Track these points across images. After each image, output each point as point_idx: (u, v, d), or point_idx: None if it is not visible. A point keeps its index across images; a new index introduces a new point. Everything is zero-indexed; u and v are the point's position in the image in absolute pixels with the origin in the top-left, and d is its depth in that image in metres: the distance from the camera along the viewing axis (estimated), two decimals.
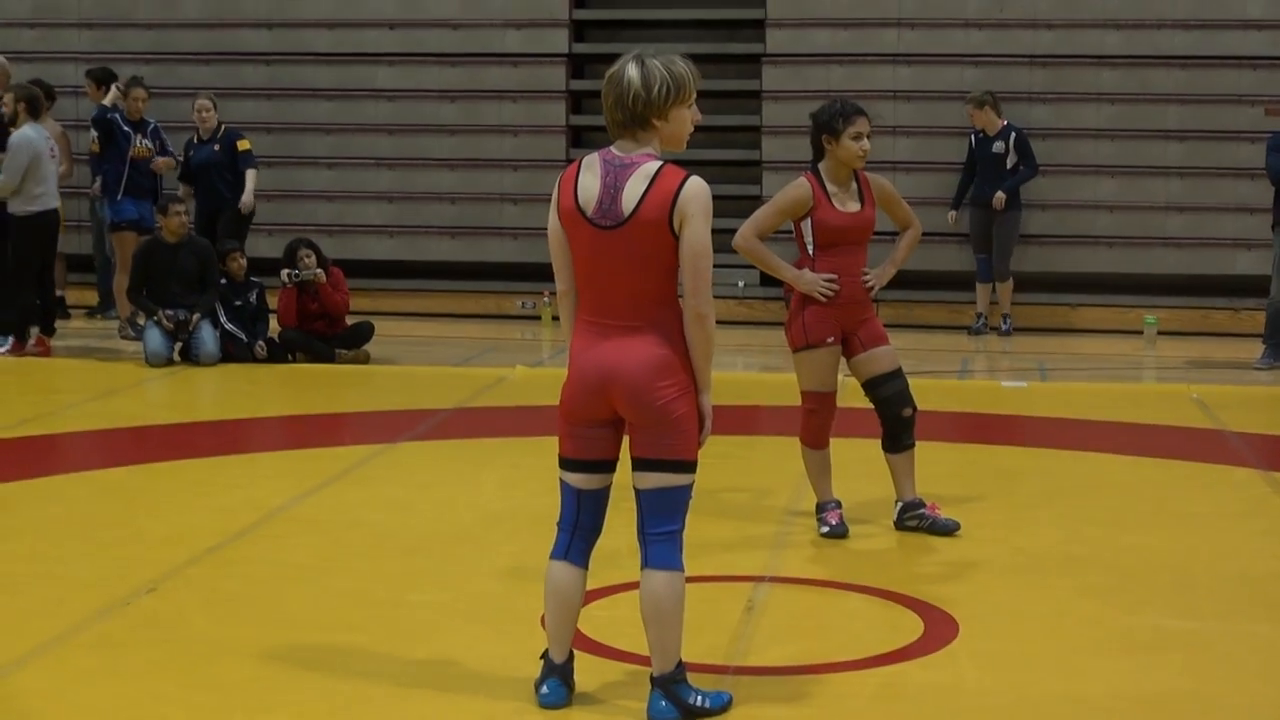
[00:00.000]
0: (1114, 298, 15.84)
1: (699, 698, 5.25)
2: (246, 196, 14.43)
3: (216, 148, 14.55)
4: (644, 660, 5.41)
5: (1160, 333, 15.01)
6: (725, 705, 5.31)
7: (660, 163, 5.13)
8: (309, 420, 10.97)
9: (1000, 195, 14.93)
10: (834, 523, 7.68)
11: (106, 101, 14.58)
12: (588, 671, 5.55)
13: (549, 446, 10.08)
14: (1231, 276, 15.74)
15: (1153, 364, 14.00)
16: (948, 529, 7.68)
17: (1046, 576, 7.06)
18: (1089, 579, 7.01)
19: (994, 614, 6.49)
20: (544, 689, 5.36)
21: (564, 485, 5.38)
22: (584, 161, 5.20)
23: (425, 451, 9.71)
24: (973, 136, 15.24)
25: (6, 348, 13.14)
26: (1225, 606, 6.63)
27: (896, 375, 7.69)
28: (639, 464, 5.21)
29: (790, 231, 7.75)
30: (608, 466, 5.34)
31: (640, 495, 5.22)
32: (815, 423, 7.74)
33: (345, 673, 5.68)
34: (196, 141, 14.71)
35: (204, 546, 7.32)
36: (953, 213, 15.34)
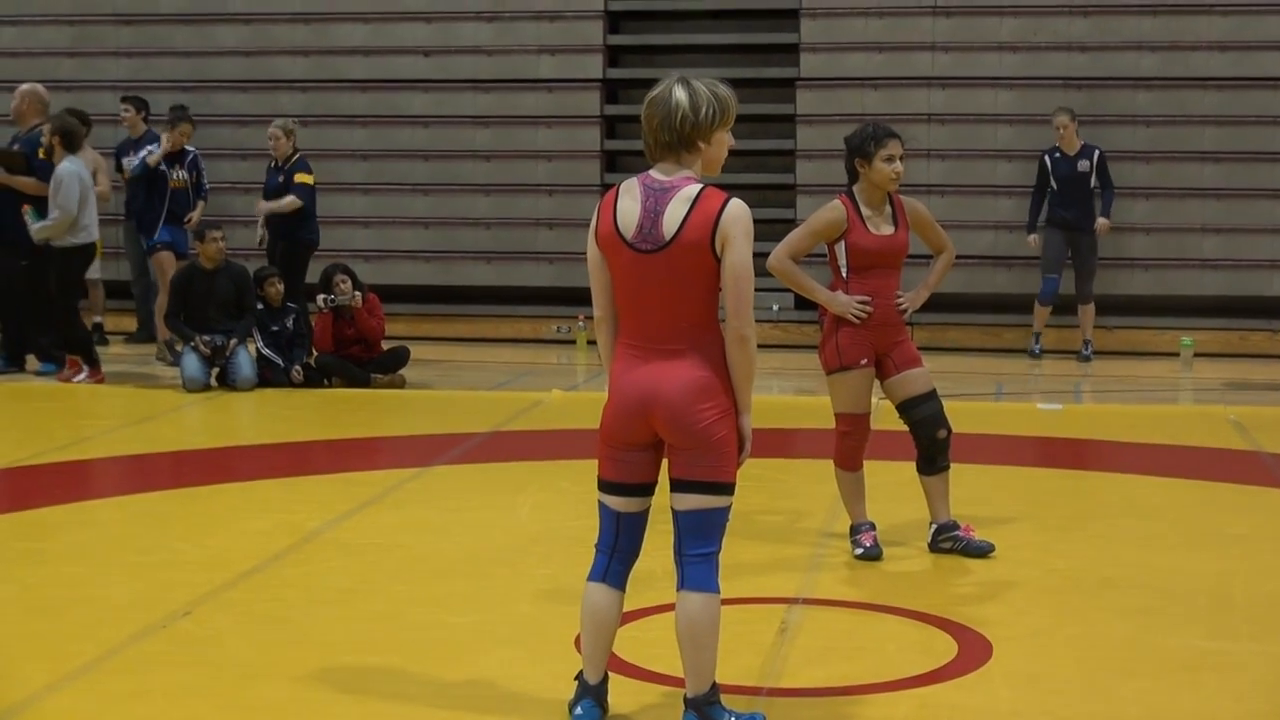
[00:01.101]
0: (1150, 320, 15.80)
1: (733, 718, 5.25)
2: (264, 204, 14.41)
3: (281, 178, 14.43)
4: (678, 682, 5.41)
5: (1197, 354, 14.97)
6: None
7: (701, 185, 5.15)
8: (344, 445, 11.01)
9: (1105, 221, 14.83)
10: (868, 544, 7.67)
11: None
12: (622, 693, 5.56)
13: (585, 470, 10.12)
14: (1269, 298, 15.70)
15: (1189, 386, 13.94)
16: (982, 551, 7.67)
17: (1081, 598, 7.04)
18: (1124, 600, 6.99)
19: (1028, 636, 6.48)
20: (578, 710, 5.37)
21: (603, 508, 5.39)
22: (622, 186, 5.22)
23: (460, 475, 9.74)
24: (1047, 157, 15.07)
25: (84, 375, 13.22)
26: (1261, 628, 6.61)
27: (931, 397, 7.69)
28: (678, 485, 5.22)
29: (824, 254, 7.76)
30: (647, 490, 5.35)
31: (678, 516, 5.23)
32: (849, 445, 7.74)
33: (380, 695, 5.70)
34: (272, 167, 14.68)
35: (240, 570, 7.35)
36: (1032, 236, 15.11)
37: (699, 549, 5.20)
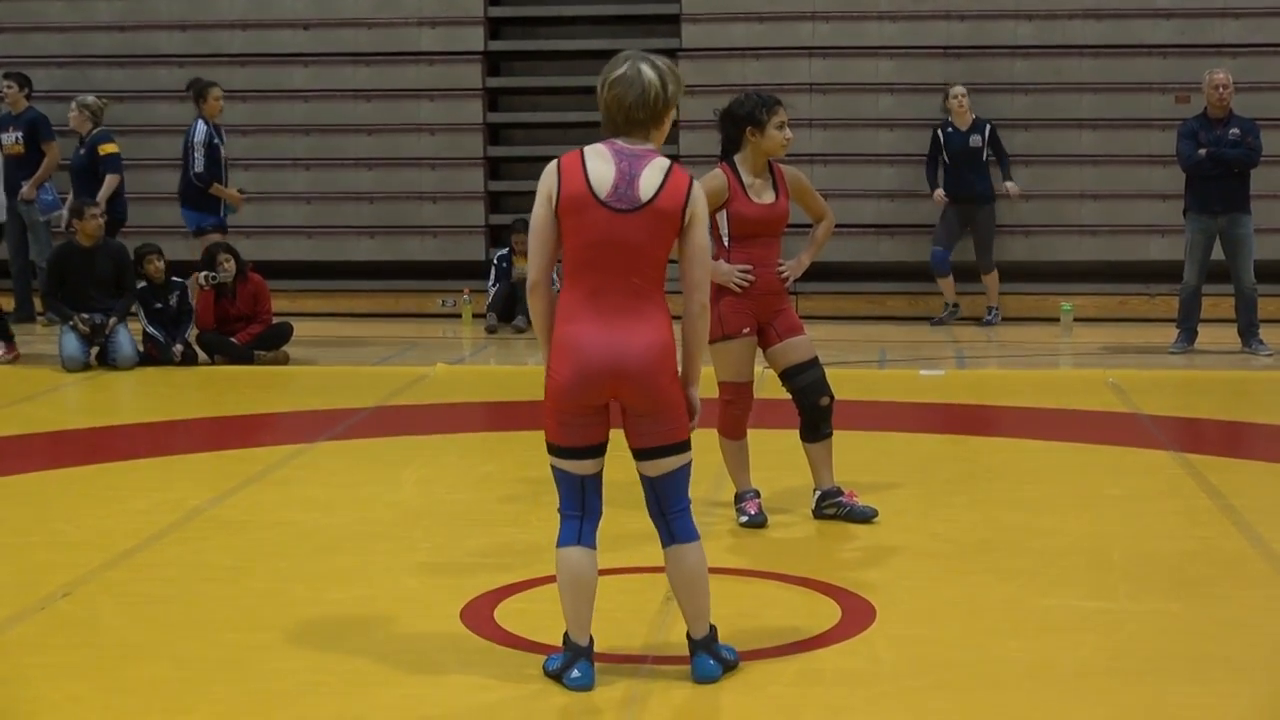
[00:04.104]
0: (1030, 285, 15.97)
1: (728, 652, 5.58)
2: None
3: (83, 151, 14.47)
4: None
5: (1077, 319, 15.15)
6: (738, 657, 5.63)
7: (669, 160, 5.38)
8: (227, 422, 10.91)
9: (1013, 185, 15.02)
10: (753, 512, 7.71)
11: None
12: (508, 664, 5.60)
13: (469, 443, 10.13)
14: (1146, 262, 15.90)
15: (1069, 350, 14.11)
16: (865, 516, 7.73)
17: (963, 561, 7.12)
18: (1005, 562, 7.07)
19: (911, 599, 6.54)
20: (574, 673, 5.44)
21: (563, 474, 5.47)
22: (586, 151, 5.36)
23: (344, 451, 9.68)
24: (940, 131, 15.18)
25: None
26: (1138, 586, 6.70)
27: (813, 365, 7.73)
28: (647, 453, 5.43)
29: None
30: (604, 449, 5.49)
31: (654, 482, 5.45)
32: (732, 413, 7.76)
33: (263, 671, 5.66)
34: (78, 144, 14.62)
35: (120, 550, 7.27)
36: (937, 192, 15.06)
37: (679, 505, 5.47)
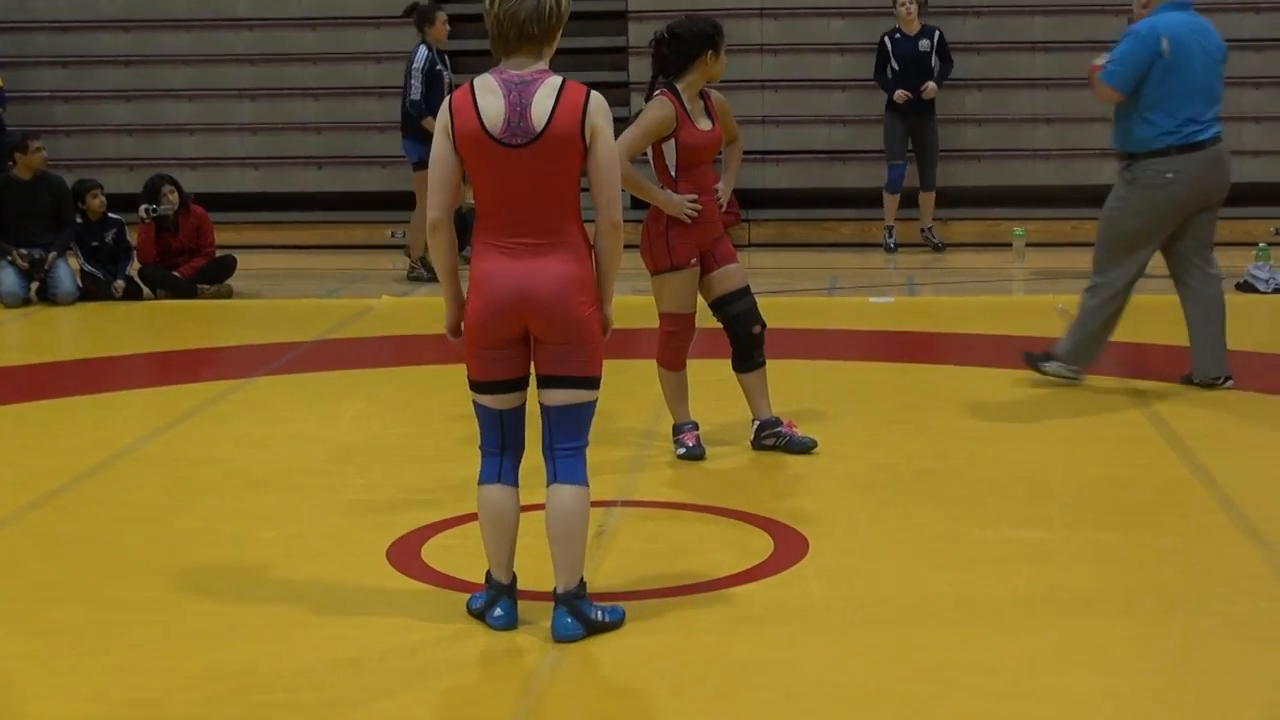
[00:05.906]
0: (983, 211, 15.85)
1: (599, 613, 5.29)
2: None
3: None
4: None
5: (1029, 244, 15.04)
6: (621, 619, 5.35)
7: (561, 78, 5.15)
8: (165, 357, 10.76)
9: (932, 85, 14.75)
10: (691, 444, 7.62)
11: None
12: (432, 604, 5.50)
13: (410, 377, 10.00)
14: (1099, 186, 15.67)
15: (1022, 276, 14.03)
16: (805, 446, 7.64)
17: (901, 492, 7.04)
18: (943, 493, 7.00)
19: (845, 531, 6.47)
20: (497, 611, 5.34)
21: (482, 409, 5.35)
22: (476, 83, 5.16)
23: (282, 386, 9.55)
24: (887, 38, 14.94)
25: None
26: (1075, 516, 6.64)
27: (745, 293, 7.63)
28: (547, 380, 5.25)
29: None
30: (522, 384, 5.34)
31: (549, 411, 5.26)
32: (675, 344, 7.67)
33: (182, 614, 5.57)
34: None
35: (45, 489, 7.15)
36: (898, 92, 14.76)
37: (569, 443, 5.25)
